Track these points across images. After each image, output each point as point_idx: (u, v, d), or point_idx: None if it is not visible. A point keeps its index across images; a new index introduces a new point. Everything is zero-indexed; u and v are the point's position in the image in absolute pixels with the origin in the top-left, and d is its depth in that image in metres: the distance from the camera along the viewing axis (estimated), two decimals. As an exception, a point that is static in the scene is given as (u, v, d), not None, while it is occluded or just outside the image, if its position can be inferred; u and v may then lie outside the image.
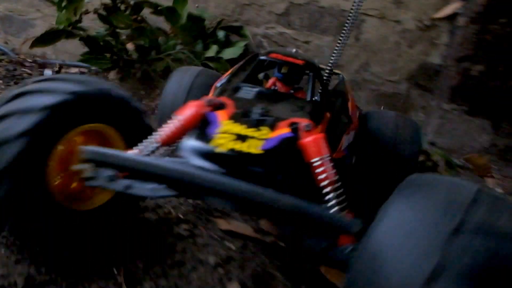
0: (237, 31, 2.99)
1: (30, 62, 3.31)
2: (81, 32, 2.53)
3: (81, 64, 3.10)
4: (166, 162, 0.95)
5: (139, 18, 2.66)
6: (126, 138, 1.20)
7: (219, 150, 0.96)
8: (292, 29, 3.02)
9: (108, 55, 2.74)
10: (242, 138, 1.00)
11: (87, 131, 1.14)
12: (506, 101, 2.61)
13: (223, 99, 1.20)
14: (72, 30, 2.49)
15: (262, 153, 0.97)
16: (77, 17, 2.42)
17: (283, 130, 1.05)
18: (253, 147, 0.98)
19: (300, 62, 1.46)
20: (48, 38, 2.43)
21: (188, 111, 1.09)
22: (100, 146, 1.08)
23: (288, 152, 1.01)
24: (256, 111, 1.12)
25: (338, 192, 0.96)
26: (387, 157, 1.56)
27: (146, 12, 2.76)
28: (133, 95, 2.73)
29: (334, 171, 0.99)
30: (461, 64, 2.62)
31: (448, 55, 2.72)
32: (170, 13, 2.64)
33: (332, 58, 1.52)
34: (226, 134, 1.01)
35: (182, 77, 1.79)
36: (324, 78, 1.54)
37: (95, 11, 2.54)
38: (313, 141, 1.01)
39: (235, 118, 1.08)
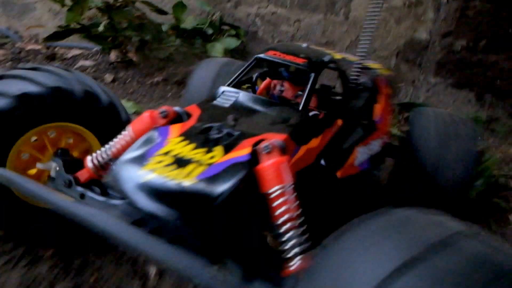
0: (235, 28, 3.20)
1: (34, 44, 3.44)
2: (91, 29, 2.82)
3: (83, 45, 3.24)
4: (68, 202, 0.83)
5: (140, 14, 2.86)
6: (100, 138, 1.17)
7: (146, 178, 0.79)
8: (284, 7, 3.13)
9: (109, 38, 2.94)
10: (182, 162, 0.82)
11: (63, 128, 1.12)
12: (488, 74, 2.74)
13: (191, 108, 1.05)
14: (79, 28, 2.81)
15: (194, 183, 0.77)
16: (83, 15, 2.70)
17: (240, 152, 0.85)
18: (192, 175, 0.79)
19: (301, 61, 1.20)
20: (59, 35, 2.78)
21: (140, 124, 0.97)
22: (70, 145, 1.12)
23: (233, 181, 0.79)
24: (217, 126, 0.94)
25: (300, 230, 0.78)
26: (432, 168, 1.32)
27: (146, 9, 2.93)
28: (133, 73, 2.91)
29: (296, 203, 0.80)
30: (445, 39, 2.75)
31: (434, 31, 2.84)
32: (175, 29, 2.99)
33: (359, 51, 1.28)
34: (165, 156, 0.84)
35: (208, 67, 1.77)
36: (353, 75, 1.28)
37: (96, 6, 2.75)
38: (270, 167, 0.80)
39: (188, 134, 0.91)
